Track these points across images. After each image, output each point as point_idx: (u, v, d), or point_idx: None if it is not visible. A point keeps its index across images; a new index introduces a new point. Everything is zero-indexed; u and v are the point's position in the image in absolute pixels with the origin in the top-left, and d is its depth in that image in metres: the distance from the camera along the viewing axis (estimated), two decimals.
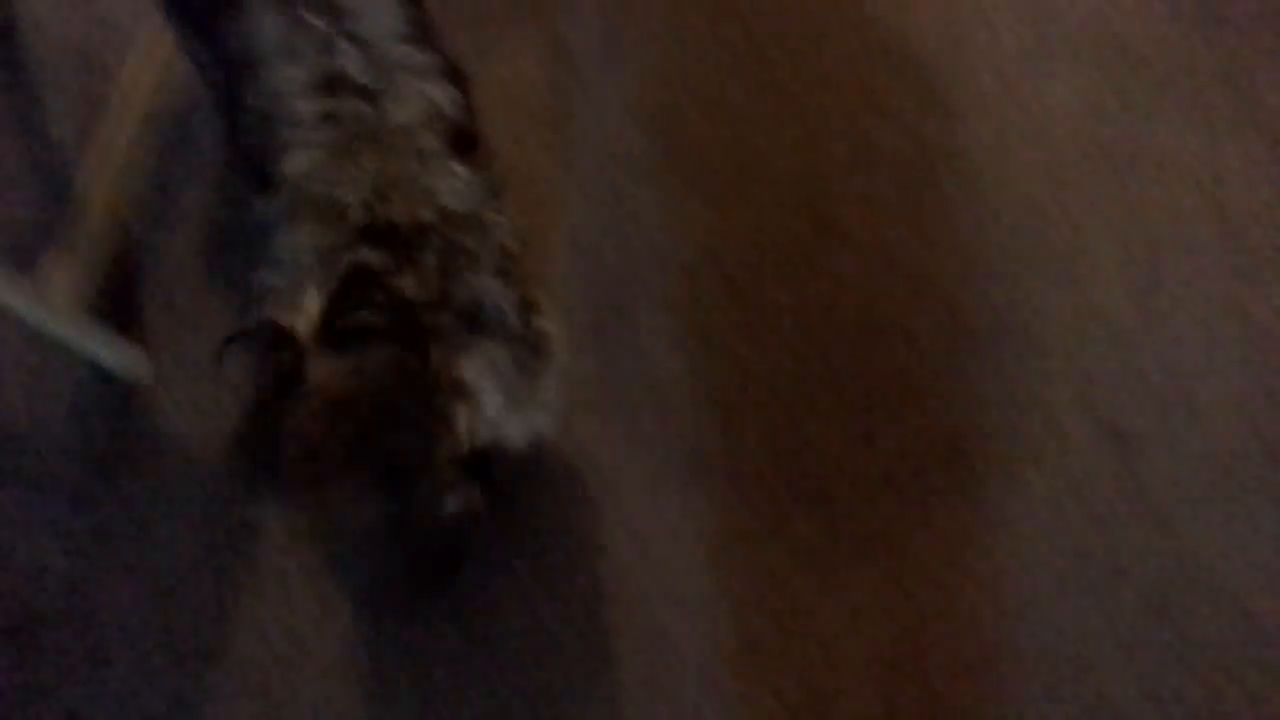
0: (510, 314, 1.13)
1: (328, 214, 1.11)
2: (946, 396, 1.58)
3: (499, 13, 1.87)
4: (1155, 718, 1.41)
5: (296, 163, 1.15)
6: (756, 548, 1.51)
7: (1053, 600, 1.46)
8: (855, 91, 1.77)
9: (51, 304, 1.53)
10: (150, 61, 1.72)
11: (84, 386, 1.64)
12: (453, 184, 1.15)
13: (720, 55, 1.81)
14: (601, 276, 1.67)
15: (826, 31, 1.82)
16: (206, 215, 1.75)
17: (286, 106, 1.16)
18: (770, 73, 1.79)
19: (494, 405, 1.13)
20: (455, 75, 1.24)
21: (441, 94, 1.19)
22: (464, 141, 1.20)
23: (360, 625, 1.49)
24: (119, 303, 1.69)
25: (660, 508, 1.53)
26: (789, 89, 1.78)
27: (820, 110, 1.76)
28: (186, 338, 1.68)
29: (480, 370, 1.10)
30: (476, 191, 1.17)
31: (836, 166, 1.72)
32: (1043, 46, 1.78)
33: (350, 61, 1.16)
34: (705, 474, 1.54)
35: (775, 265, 1.67)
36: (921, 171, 1.71)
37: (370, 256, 1.07)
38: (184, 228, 1.74)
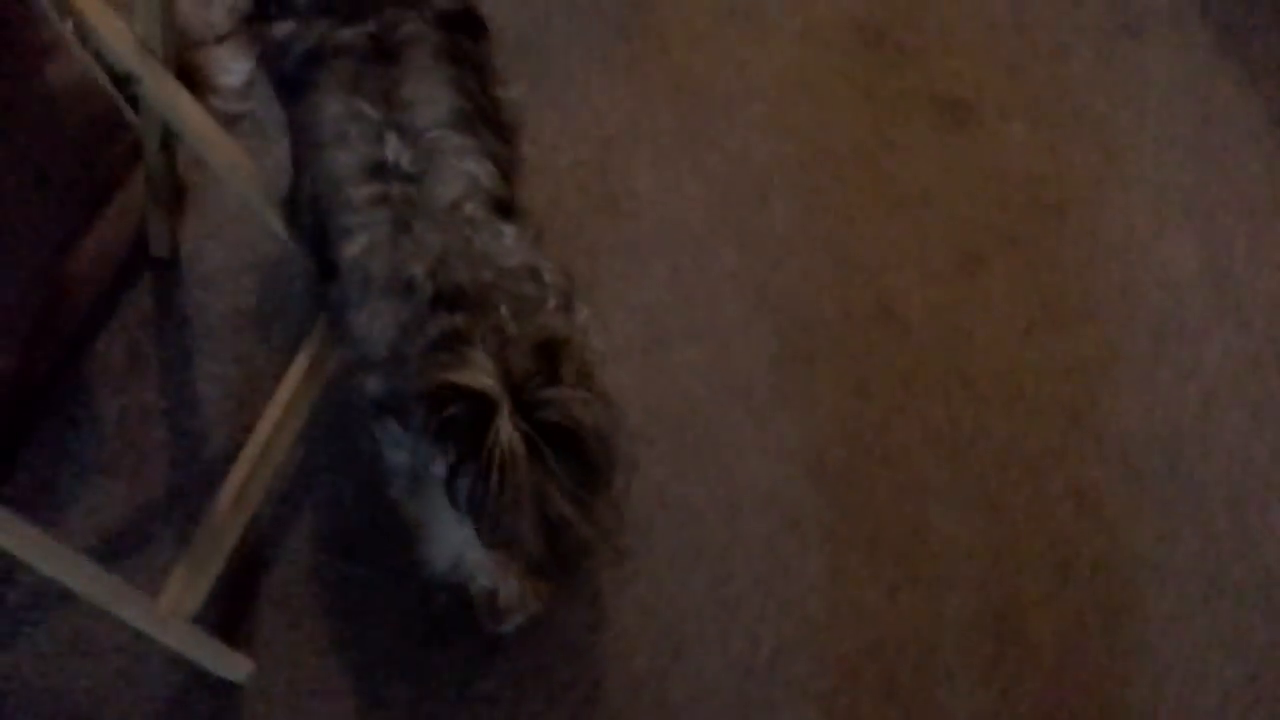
0: (576, 348, 1.18)
1: (396, 288, 1.19)
2: None
3: (671, 331, 1.76)
4: None
5: (356, 245, 1.24)
6: None
7: None
8: (1058, 480, 1.60)
9: (161, 615, 1.43)
10: (314, 364, 1.63)
11: (179, 688, 1.54)
12: (503, 243, 1.23)
13: (911, 417, 1.67)
14: (748, 653, 1.52)
15: (1032, 407, 1.66)
16: (339, 508, 1.65)
17: (341, 191, 1.26)
18: (965, 444, 1.64)
19: None
20: (497, 155, 1.33)
21: (479, 169, 1.28)
22: (503, 208, 1.29)
23: None
24: (231, 595, 1.59)
25: None
26: (984, 465, 1.62)
27: (1016, 495, 1.59)
28: (296, 640, 1.56)
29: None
30: (524, 244, 1.25)
31: (1028, 563, 1.55)
32: (1275, 462, 1.60)
33: (394, 150, 1.25)
34: None
35: (947, 671, 1.49)
36: (1124, 586, 1.53)
37: (450, 320, 1.15)
38: (314, 519, 1.64)
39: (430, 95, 1.31)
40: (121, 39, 1.41)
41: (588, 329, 1.24)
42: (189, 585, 1.47)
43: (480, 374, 1.11)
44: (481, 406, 1.09)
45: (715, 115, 1.98)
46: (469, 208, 1.24)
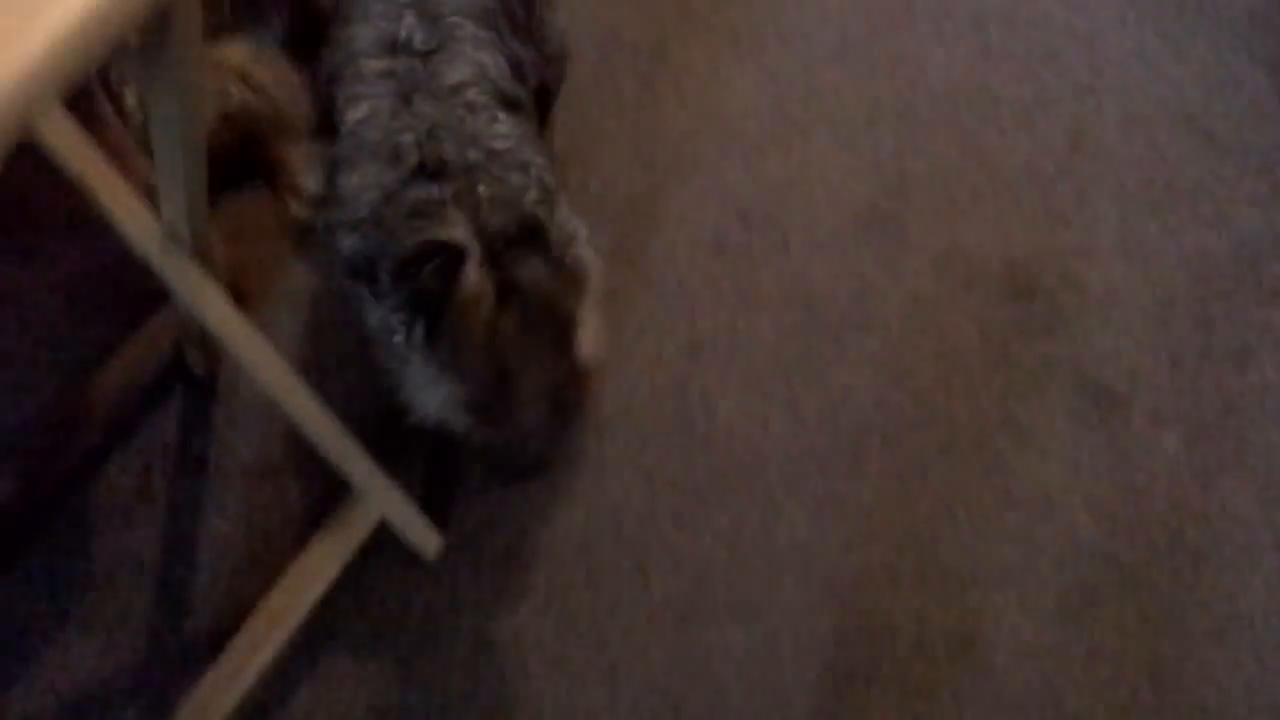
0: (553, 238, 1.24)
1: (385, 155, 1.26)
2: None
3: (716, 602, 1.54)
4: None
5: (358, 112, 1.30)
6: None
7: None
8: None
9: None
10: (319, 565, 1.47)
11: None
12: (497, 129, 1.29)
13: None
14: None
15: None
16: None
17: (355, 63, 1.32)
18: None
19: None
20: (513, 55, 1.37)
21: (490, 61, 1.33)
22: (507, 101, 1.33)
23: None
24: None
25: None
26: None
27: None
28: None
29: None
30: (519, 137, 1.30)
31: None
32: None
33: (409, 28, 1.31)
34: None
35: None
36: None
37: (429, 190, 1.22)
38: None
39: None
40: (142, 226, 1.23)
41: (574, 234, 1.31)
42: None
43: (453, 228, 1.18)
44: (451, 256, 1.15)
45: (823, 341, 1.74)
46: (471, 93, 1.29)
